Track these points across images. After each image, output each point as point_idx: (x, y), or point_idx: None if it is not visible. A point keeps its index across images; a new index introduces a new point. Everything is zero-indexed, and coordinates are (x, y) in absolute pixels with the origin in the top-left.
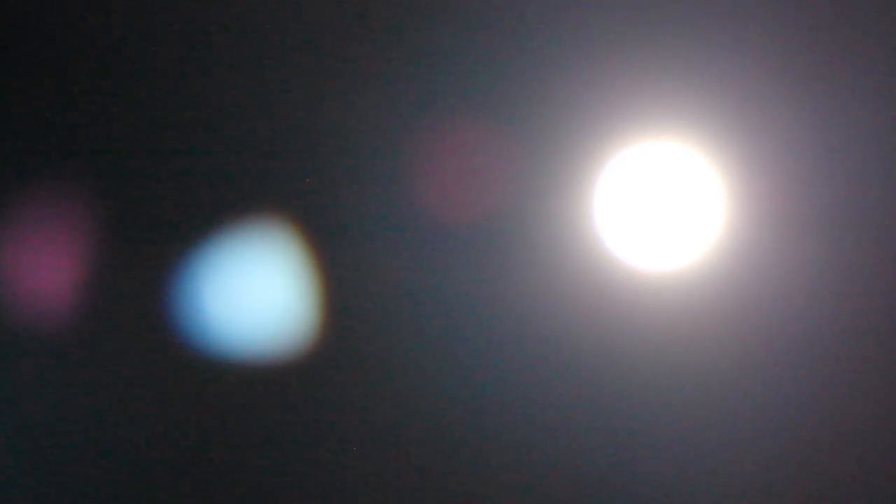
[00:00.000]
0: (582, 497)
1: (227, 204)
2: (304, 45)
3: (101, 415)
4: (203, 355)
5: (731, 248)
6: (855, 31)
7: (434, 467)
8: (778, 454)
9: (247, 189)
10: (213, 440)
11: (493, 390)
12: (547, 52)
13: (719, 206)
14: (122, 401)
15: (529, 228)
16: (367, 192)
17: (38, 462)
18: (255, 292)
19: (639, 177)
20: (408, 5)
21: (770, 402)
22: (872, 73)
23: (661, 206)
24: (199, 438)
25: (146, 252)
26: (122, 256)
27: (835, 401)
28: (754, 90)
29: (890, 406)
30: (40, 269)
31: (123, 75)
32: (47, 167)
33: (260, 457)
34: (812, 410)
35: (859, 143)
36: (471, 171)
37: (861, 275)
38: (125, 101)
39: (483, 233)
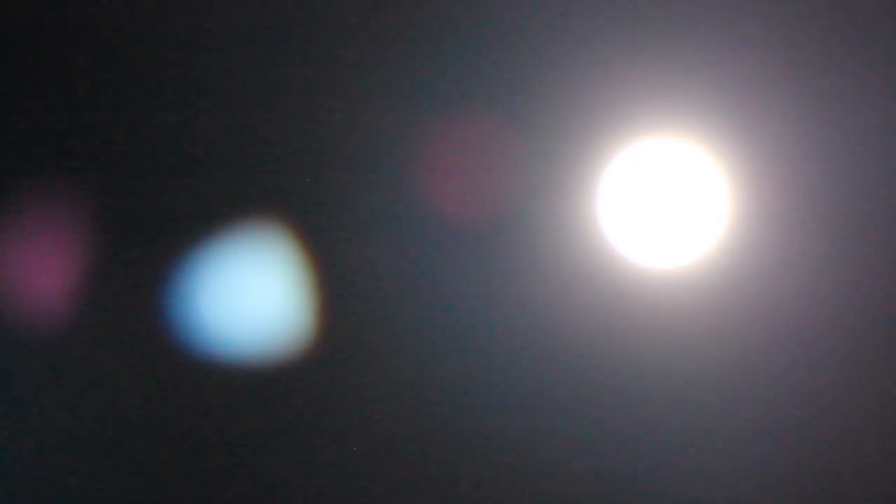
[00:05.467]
0: (583, 496)
1: (226, 204)
2: (305, 43)
3: (100, 415)
4: (202, 355)
5: (733, 246)
6: (858, 30)
7: (435, 467)
8: (778, 453)
9: (246, 189)
10: (213, 440)
11: (494, 388)
12: (550, 48)
13: (722, 205)
14: (121, 401)
15: (532, 226)
16: (368, 190)
17: (38, 462)
18: (254, 292)
19: (642, 175)
20: (410, 3)
21: (770, 400)
22: (875, 72)
23: (664, 204)
24: (198, 438)
25: (145, 252)
26: (121, 256)
27: (835, 400)
28: (758, 89)
29: (890, 406)
30: (39, 269)
31: (122, 75)
32: (47, 167)
33: (260, 457)
34: (812, 410)
35: (861, 142)
36: (473, 168)
37: (862, 274)
38: (125, 101)
39: (485, 231)
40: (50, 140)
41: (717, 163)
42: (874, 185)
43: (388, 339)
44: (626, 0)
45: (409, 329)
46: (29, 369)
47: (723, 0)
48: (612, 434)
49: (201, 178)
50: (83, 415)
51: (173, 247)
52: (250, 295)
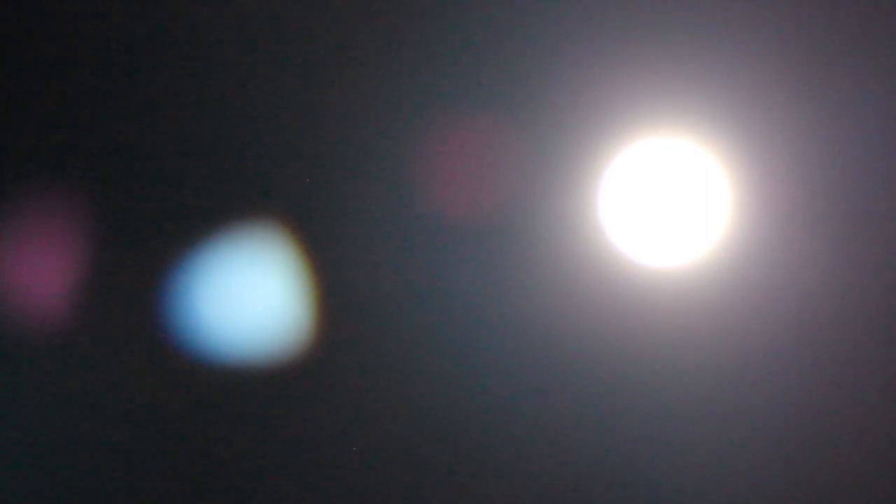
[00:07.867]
0: (583, 495)
1: (226, 204)
2: (305, 43)
3: (100, 415)
4: (202, 356)
5: (734, 245)
6: (859, 31)
7: (435, 467)
8: (778, 453)
9: (246, 189)
10: (213, 440)
11: (495, 388)
12: (552, 48)
13: (723, 204)
14: (121, 401)
15: (533, 226)
16: (369, 190)
17: (39, 462)
18: (254, 292)
19: (643, 174)
20: (411, 3)
21: (771, 400)
22: (877, 72)
23: (665, 204)
24: (198, 438)
25: (144, 253)
26: (120, 257)
27: (835, 400)
28: (759, 88)
29: (890, 406)
30: (39, 270)
31: (122, 75)
32: (47, 167)
33: (260, 457)
34: (812, 409)
35: (862, 142)
36: (474, 168)
37: (863, 274)
38: (124, 101)
39: (486, 231)
40: (50, 141)
41: (718, 162)
42: (876, 185)
43: (389, 339)
44: (628, 0)
45: (410, 329)
46: (29, 369)
47: (724, 0)
48: (613, 433)
49: (201, 178)
50: (82, 415)
51: (173, 247)
52: (250, 295)
